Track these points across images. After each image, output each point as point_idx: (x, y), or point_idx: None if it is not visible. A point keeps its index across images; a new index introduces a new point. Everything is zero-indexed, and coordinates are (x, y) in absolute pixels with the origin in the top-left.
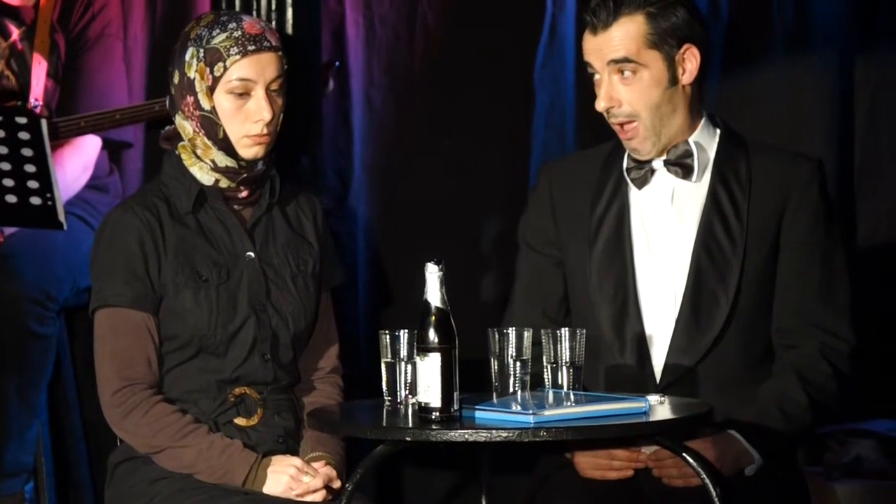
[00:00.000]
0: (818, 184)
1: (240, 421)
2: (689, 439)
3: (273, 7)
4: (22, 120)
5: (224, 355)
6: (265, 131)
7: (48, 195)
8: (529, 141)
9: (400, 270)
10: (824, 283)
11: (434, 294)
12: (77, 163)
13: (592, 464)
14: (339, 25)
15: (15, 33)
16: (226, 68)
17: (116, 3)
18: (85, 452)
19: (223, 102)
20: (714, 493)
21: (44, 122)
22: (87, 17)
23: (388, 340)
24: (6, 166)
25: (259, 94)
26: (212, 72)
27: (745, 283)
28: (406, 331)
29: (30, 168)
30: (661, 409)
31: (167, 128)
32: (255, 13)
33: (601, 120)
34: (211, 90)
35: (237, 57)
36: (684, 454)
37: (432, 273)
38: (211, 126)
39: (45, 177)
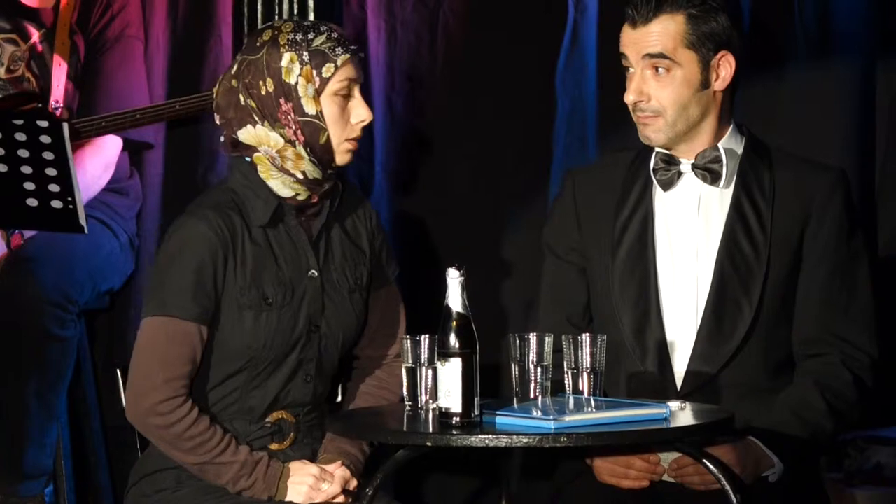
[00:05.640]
0: (842, 194)
1: (273, 446)
2: (709, 446)
3: (295, 11)
4: (43, 123)
5: (270, 376)
6: (361, 134)
7: (69, 198)
8: (551, 146)
9: (421, 275)
10: (846, 295)
11: (455, 299)
12: (98, 163)
13: (609, 470)
14: (361, 30)
15: (35, 35)
16: (336, 68)
17: (136, 4)
18: (105, 455)
19: (330, 105)
20: (734, 500)
21: (65, 126)
22: (106, 17)
23: (409, 345)
24: (27, 169)
25: (358, 94)
26: (320, 74)
27: (768, 292)
28: (427, 336)
29: (51, 171)
30: (681, 415)
31: (225, 133)
32: (276, 17)
33: (623, 124)
34: (318, 93)
35: (346, 56)
36: (704, 460)
37: (453, 278)
38: (313, 132)
39: (66, 180)
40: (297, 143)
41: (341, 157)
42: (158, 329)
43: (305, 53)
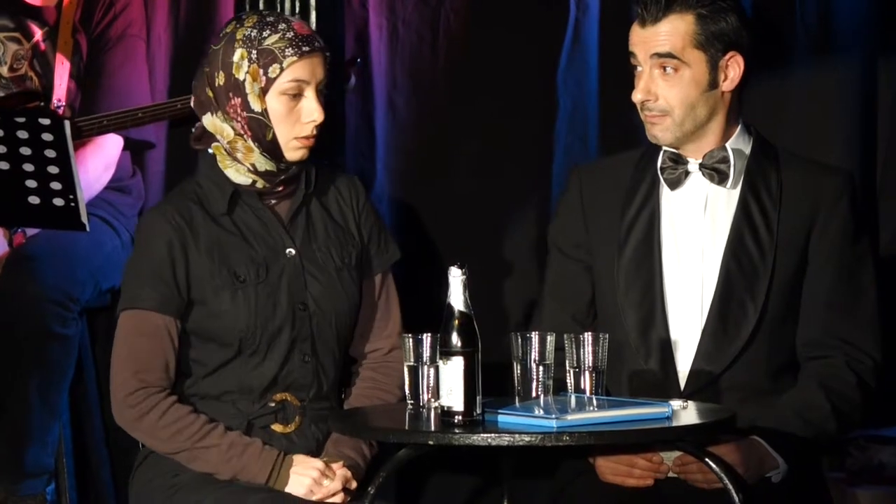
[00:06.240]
0: (849, 197)
1: (276, 427)
2: (712, 445)
3: (297, 10)
4: (45, 121)
5: (265, 356)
6: (314, 133)
7: (71, 196)
8: (552, 145)
9: (422, 274)
10: (851, 298)
11: (457, 298)
12: (98, 162)
13: (612, 469)
14: (363, 28)
15: (38, 34)
16: (282, 69)
17: (139, 3)
18: (106, 454)
19: (275, 104)
20: (736, 499)
21: (67, 124)
22: (109, 16)
23: (411, 344)
24: (29, 167)
25: (311, 95)
26: (266, 73)
27: (774, 293)
28: (429, 334)
29: (53, 169)
30: (683, 414)
31: (198, 124)
32: None
33: (625, 124)
34: (264, 91)
35: (294, 58)
36: (707, 459)
37: (455, 277)
38: (260, 128)
39: (68, 178)
40: (245, 136)
41: (290, 154)
42: (126, 323)
43: (255, 52)
